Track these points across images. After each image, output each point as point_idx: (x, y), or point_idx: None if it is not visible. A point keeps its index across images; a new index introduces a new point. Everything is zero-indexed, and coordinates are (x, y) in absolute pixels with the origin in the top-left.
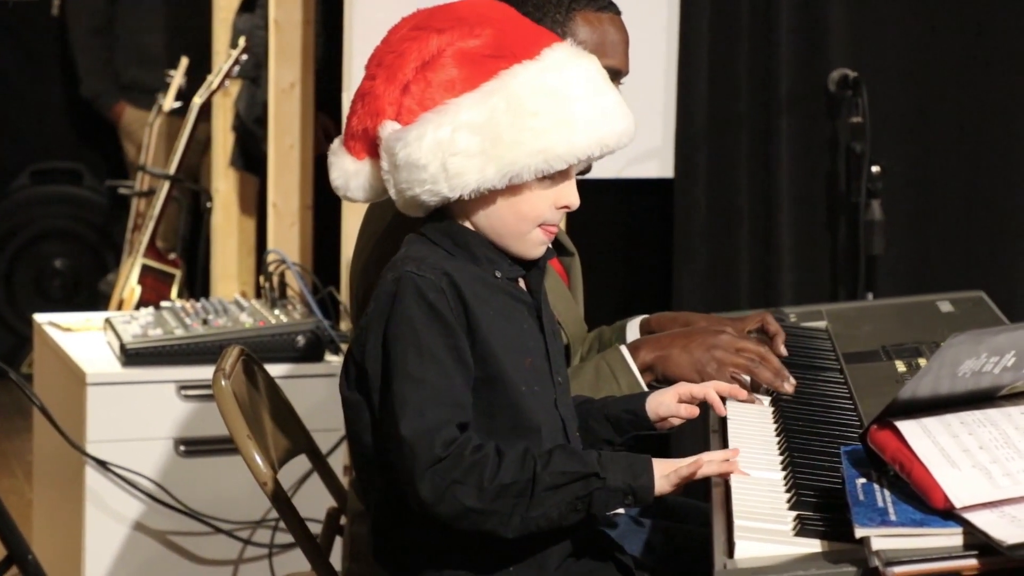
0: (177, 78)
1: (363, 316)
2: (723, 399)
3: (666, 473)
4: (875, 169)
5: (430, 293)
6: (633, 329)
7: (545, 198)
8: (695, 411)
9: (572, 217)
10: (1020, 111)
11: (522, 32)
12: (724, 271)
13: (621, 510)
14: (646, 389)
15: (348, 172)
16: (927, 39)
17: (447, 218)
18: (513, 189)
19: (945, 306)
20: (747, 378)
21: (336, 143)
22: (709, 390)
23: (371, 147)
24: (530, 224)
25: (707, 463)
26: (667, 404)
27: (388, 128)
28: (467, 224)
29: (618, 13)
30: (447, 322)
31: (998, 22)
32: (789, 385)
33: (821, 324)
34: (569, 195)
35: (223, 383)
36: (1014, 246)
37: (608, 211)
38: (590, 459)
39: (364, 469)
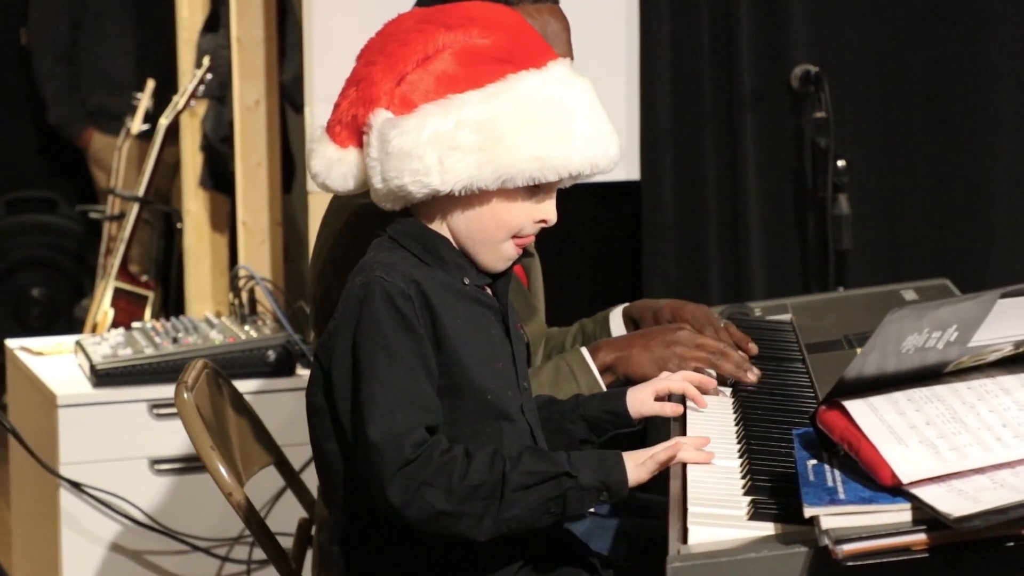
0: (144, 100)
1: (330, 321)
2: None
3: (640, 462)
4: (840, 163)
5: (398, 299)
6: (616, 318)
7: (526, 209)
8: (680, 409)
9: None
10: (982, 98)
11: (530, 42)
12: (694, 271)
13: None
14: (604, 389)
15: (331, 160)
16: (888, 32)
17: (418, 218)
18: (499, 195)
19: (909, 294)
20: (712, 372)
21: (318, 131)
22: (687, 385)
23: (357, 135)
24: (506, 233)
25: (684, 447)
26: (650, 404)
27: (381, 116)
28: (439, 227)
29: (556, 2)
30: (414, 328)
31: (960, 12)
32: (752, 375)
33: (786, 317)
34: (548, 210)
35: (185, 396)
36: (982, 235)
37: (576, 216)
38: (560, 459)
39: (325, 477)
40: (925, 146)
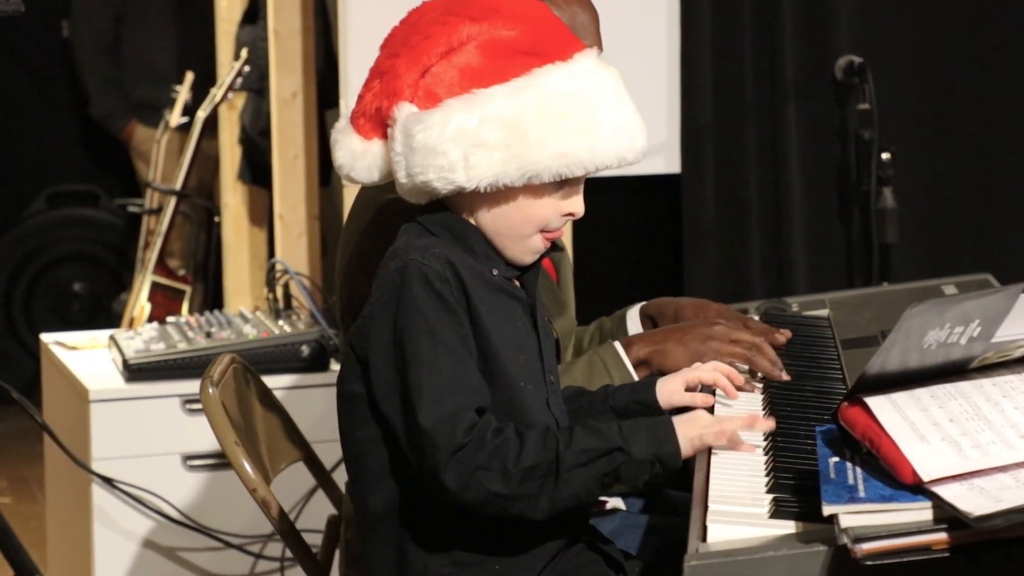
0: (183, 93)
1: (365, 306)
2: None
3: (689, 436)
4: (885, 156)
5: (436, 281)
6: (633, 317)
7: (553, 203)
8: (711, 399)
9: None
10: None
11: (556, 33)
12: (736, 265)
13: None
14: None
15: (355, 151)
16: (934, 22)
17: (446, 210)
18: (526, 190)
19: (950, 290)
20: (745, 367)
21: (342, 122)
22: (718, 376)
23: (381, 127)
24: (533, 227)
25: (732, 437)
26: (679, 394)
27: (405, 110)
28: (467, 218)
29: None
30: (453, 309)
31: (1007, 2)
32: (785, 374)
33: (823, 312)
34: (576, 204)
35: (210, 391)
36: None
37: (615, 209)
38: (612, 433)
39: (355, 467)
40: (971, 138)
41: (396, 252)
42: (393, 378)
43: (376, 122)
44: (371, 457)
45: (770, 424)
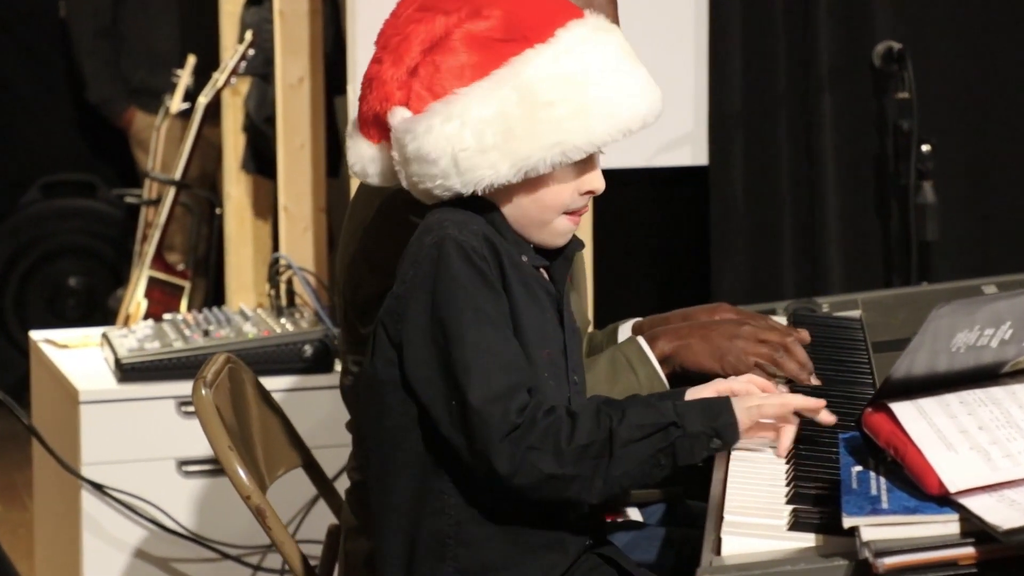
0: (184, 78)
1: (397, 285)
2: None
3: (746, 406)
4: (925, 148)
5: (474, 256)
6: (626, 332)
7: (568, 186)
8: None
9: (602, 210)
10: None
11: (534, 11)
12: (766, 263)
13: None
14: (664, 380)
15: (365, 157)
16: (977, 6)
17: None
18: (532, 181)
19: (990, 289)
20: (771, 368)
21: (351, 126)
22: (751, 388)
23: (384, 131)
24: (553, 213)
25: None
26: None
27: (398, 116)
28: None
29: None
30: (494, 286)
31: None
32: (814, 378)
33: (855, 313)
34: (593, 181)
35: (203, 392)
36: None
37: (640, 202)
38: (666, 408)
39: (379, 459)
40: (1016, 128)
41: (430, 226)
42: (430, 357)
43: (378, 126)
44: (400, 448)
45: (832, 419)
